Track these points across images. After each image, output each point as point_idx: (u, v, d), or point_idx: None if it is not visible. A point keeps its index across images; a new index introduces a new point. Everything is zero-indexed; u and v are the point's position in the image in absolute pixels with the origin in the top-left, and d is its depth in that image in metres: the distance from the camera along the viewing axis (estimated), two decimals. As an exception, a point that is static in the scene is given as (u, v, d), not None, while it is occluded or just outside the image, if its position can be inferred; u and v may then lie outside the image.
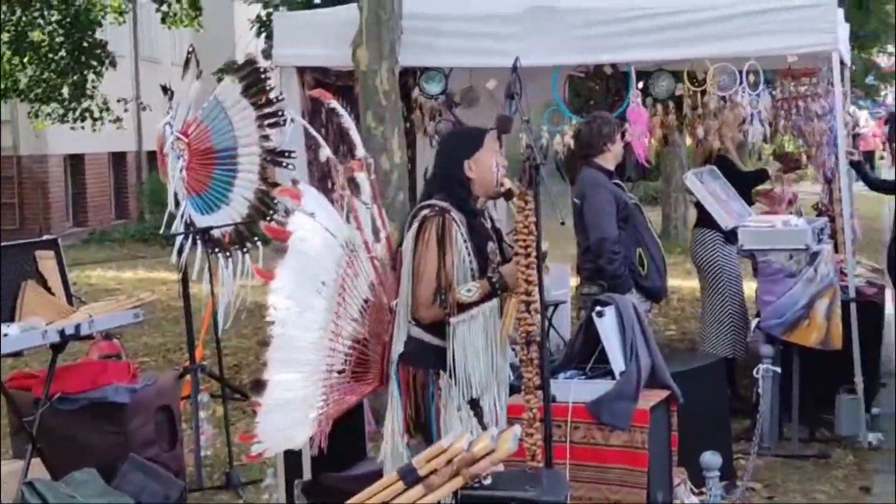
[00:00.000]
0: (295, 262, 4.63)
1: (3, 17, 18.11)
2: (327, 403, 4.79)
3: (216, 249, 7.31)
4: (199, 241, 7.17)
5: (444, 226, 4.89)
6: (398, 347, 4.99)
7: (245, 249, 7.37)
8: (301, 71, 8.37)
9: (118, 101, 20.76)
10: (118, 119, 20.70)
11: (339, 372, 4.87)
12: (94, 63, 19.40)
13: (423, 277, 4.92)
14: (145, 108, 22.04)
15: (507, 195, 5.01)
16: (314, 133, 6.13)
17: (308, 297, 4.70)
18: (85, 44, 19.28)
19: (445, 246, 4.89)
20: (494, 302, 4.94)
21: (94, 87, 19.77)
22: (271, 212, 7.40)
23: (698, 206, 8.89)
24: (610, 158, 7.57)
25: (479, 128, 5.55)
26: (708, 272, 8.74)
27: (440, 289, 4.89)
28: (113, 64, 19.76)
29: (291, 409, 4.68)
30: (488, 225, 5.14)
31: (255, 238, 7.35)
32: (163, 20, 20.17)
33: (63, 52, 19.13)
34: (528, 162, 4.76)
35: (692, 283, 9.33)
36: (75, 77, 19.32)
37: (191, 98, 7.36)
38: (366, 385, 5.05)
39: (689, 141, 9.76)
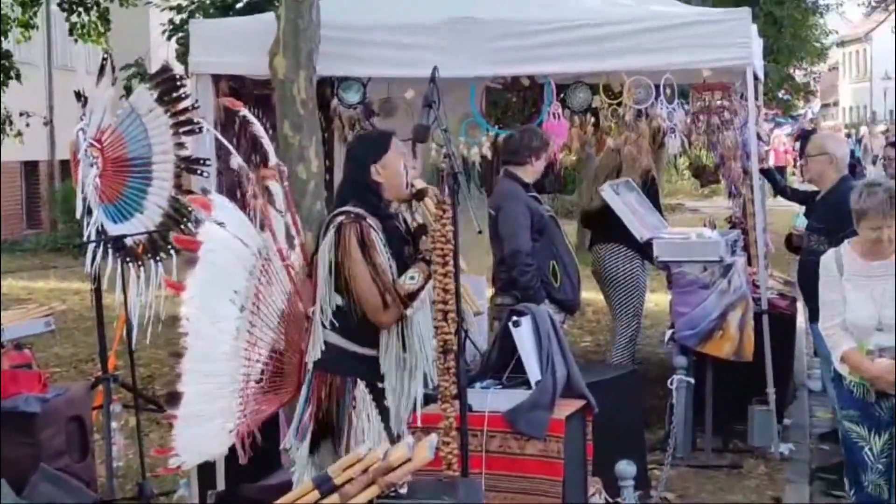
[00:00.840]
0: (205, 273, 4.59)
1: None
2: (245, 414, 4.74)
3: (129, 259, 7.22)
4: (111, 250, 7.08)
5: (362, 231, 4.89)
6: (315, 354, 4.97)
7: (158, 258, 7.29)
8: (217, 79, 8.30)
9: (20, 114, 20.53)
10: (19, 134, 20.49)
11: (257, 382, 4.83)
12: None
13: (362, 287, 4.91)
14: (48, 124, 21.60)
15: (419, 196, 5.02)
16: (224, 142, 6.07)
17: (220, 307, 4.66)
18: None
19: (369, 249, 4.88)
20: (431, 283, 4.93)
21: None
22: (185, 220, 7.33)
23: (598, 218, 8.89)
24: (530, 172, 7.64)
25: (384, 131, 5.56)
26: (622, 286, 8.79)
27: (384, 290, 4.87)
28: (17, 77, 19.49)
29: (208, 420, 4.63)
30: (402, 228, 5.13)
31: (169, 247, 7.27)
32: (70, 31, 19.89)
33: None
34: (446, 170, 4.77)
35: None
36: None
37: (105, 105, 7.27)
38: (283, 394, 5.02)
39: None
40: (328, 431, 4.99)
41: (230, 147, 5.67)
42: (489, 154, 8.55)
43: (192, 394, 4.54)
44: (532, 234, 7.49)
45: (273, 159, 5.33)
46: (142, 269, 7.23)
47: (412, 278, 4.90)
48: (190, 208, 7.23)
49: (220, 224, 4.68)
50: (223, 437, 4.68)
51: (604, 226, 8.82)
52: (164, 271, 7.23)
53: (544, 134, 7.85)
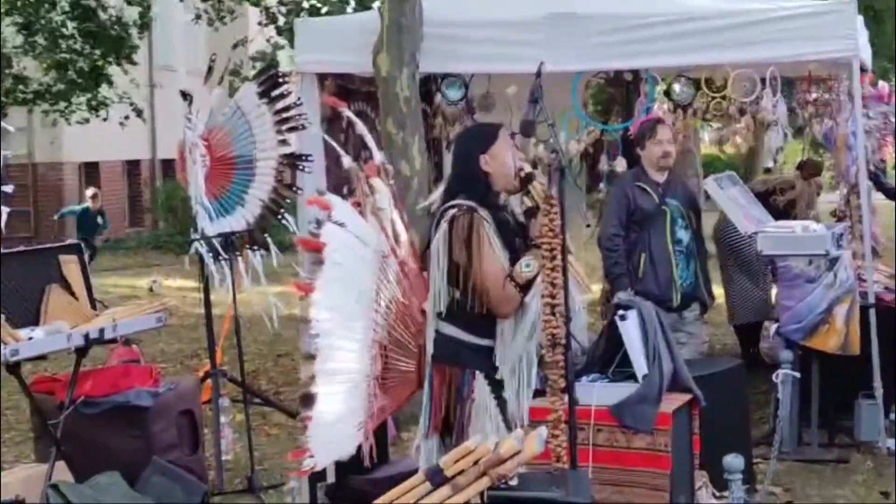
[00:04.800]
0: (333, 274, 4.63)
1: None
2: (370, 412, 4.80)
3: (236, 253, 7.34)
4: (218, 247, 7.21)
5: (473, 222, 4.91)
6: (432, 347, 5.02)
7: (257, 249, 7.42)
8: (322, 77, 8.41)
9: (131, 81, 20.73)
10: (137, 111, 20.66)
11: (380, 379, 4.89)
12: (108, 48, 19.40)
13: (482, 277, 4.91)
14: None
15: (528, 179, 5.03)
16: (330, 140, 6.16)
17: (348, 307, 4.72)
18: (94, 27, 19.30)
19: (483, 239, 4.91)
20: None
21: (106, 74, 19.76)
22: (282, 210, 7.45)
23: None
24: (645, 160, 7.78)
25: (491, 123, 5.56)
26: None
27: (504, 280, 4.91)
28: (129, 58, 19.73)
29: (341, 420, 4.68)
30: (512, 220, 5.14)
31: (266, 237, 7.42)
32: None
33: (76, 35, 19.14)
34: (552, 165, 4.80)
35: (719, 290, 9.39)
36: (86, 61, 19.34)
37: (212, 104, 7.42)
38: (404, 390, 5.09)
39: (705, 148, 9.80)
40: (449, 425, 5.04)
41: (336, 146, 5.74)
42: (590, 149, 8.60)
43: (325, 395, 4.57)
44: (628, 222, 7.64)
45: (378, 157, 5.39)
46: (239, 259, 7.37)
47: (528, 266, 4.91)
48: (287, 199, 7.37)
49: (341, 225, 4.74)
50: (353, 436, 4.73)
51: None
52: (262, 268, 7.35)
53: (651, 121, 7.92)
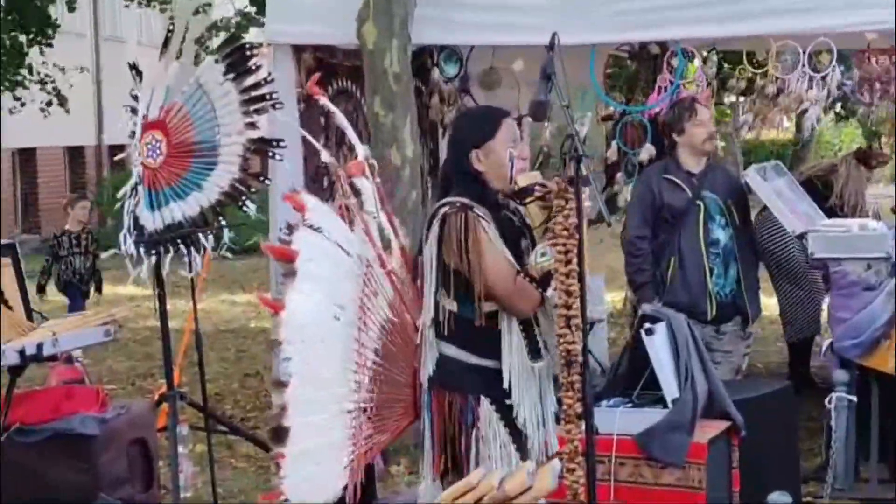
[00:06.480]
0: (307, 286, 4.62)
1: None
2: (357, 446, 4.78)
3: (189, 243, 7.29)
4: (167, 244, 7.18)
5: (467, 222, 4.88)
6: (429, 370, 5.00)
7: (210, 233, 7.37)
8: (299, 49, 8.40)
9: (59, 68, 20.78)
10: (58, 94, 20.72)
11: (368, 407, 4.88)
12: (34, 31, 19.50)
13: (490, 273, 4.88)
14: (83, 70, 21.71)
15: (521, 195, 5.02)
16: (307, 136, 6.15)
17: (326, 326, 4.70)
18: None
19: (481, 237, 4.88)
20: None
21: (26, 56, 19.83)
22: (244, 198, 7.44)
23: None
24: (679, 148, 7.73)
25: (495, 109, 5.52)
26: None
27: (514, 273, 4.90)
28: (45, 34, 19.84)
29: (320, 456, 4.66)
30: (516, 219, 5.12)
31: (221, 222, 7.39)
32: None
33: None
34: (569, 153, 4.80)
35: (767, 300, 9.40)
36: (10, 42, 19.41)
37: (169, 81, 7.41)
38: (398, 420, 5.06)
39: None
40: (452, 459, 5.02)
41: (312, 139, 5.73)
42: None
43: (301, 427, 4.56)
44: (654, 222, 7.61)
45: (361, 152, 5.36)
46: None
47: (543, 255, 4.90)
48: (252, 189, 7.36)
49: (318, 229, 4.73)
50: (338, 476, 4.70)
51: None
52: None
53: (687, 100, 7.90)
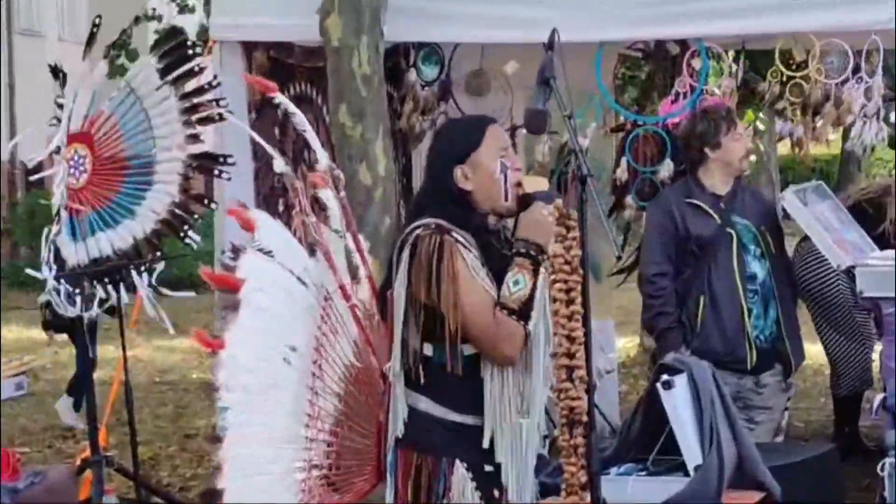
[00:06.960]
0: (252, 322, 4.56)
1: None
2: (306, 513, 4.76)
3: (117, 281, 7.30)
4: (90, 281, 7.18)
5: (441, 246, 4.86)
6: (397, 426, 4.99)
7: (144, 270, 7.38)
8: (249, 47, 8.41)
9: None
10: None
11: (321, 468, 4.86)
12: None
13: (467, 308, 4.85)
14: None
15: (525, 201, 5.01)
16: (258, 139, 6.15)
17: (273, 370, 4.66)
18: None
19: (458, 264, 4.86)
20: (542, 276, 4.92)
21: None
22: (186, 227, 7.44)
23: None
24: (706, 166, 7.72)
25: (479, 117, 5.52)
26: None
27: (494, 310, 4.87)
28: None
29: None
30: (502, 245, 5.08)
31: (159, 255, 7.39)
32: None
33: None
34: (572, 172, 4.81)
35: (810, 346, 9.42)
36: None
37: (95, 85, 7.42)
38: (357, 484, 5.04)
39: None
40: None
41: (264, 144, 5.72)
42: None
43: (239, 490, 4.50)
44: (679, 253, 7.60)
45: (324, 161, 5.34)
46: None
47: (517, 283, 4.88)
48: (195, 216, 7.36)
49: (268, 253, 4.72)
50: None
51: None
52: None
53: (723, 109, 7.91)
